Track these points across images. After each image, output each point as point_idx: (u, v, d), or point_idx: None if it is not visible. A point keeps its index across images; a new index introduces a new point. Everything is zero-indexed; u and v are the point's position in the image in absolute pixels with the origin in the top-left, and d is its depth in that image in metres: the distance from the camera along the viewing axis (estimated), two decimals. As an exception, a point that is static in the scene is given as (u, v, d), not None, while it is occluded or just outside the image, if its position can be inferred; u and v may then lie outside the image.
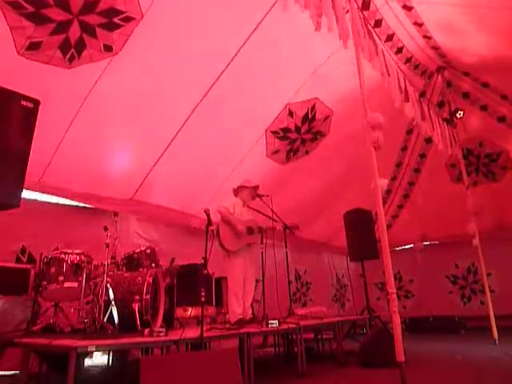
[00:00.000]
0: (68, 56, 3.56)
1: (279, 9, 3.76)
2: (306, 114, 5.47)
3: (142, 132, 4.47)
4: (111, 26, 3.55)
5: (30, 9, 3.16)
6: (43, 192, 4.40)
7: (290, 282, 4.88)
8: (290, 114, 5.34)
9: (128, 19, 3.55)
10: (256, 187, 4.36)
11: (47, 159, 4.10)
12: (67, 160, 4.12)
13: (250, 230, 4.08)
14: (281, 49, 4.44)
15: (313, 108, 5.43)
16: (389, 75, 3.96)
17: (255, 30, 4.08)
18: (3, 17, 3.13)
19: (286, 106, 5.24)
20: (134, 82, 4.00)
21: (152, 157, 4.74)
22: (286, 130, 5.51)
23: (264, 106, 5.12)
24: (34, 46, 3.38)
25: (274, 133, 5.46)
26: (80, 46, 3.54)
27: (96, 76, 3.80)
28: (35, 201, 4.52)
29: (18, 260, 4.12)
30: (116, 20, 3.52)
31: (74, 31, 3.43)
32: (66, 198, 4.64)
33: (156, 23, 3.65)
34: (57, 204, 4.71)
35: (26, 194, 4.23)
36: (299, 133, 5.67)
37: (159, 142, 4.67)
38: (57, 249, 3.56)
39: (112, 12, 3.45)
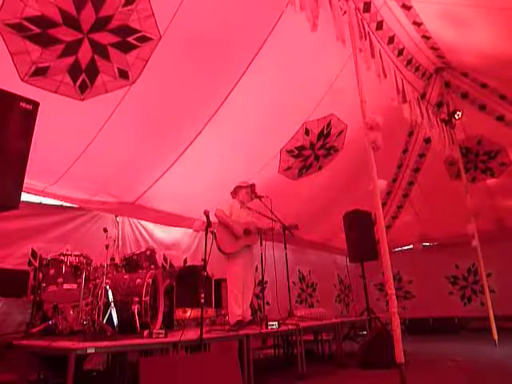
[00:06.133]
0: (79, 83, 3.32)
1: (291, 28, 3.77)
2: (322, 131, 5.37)
3: (154, 142, 4.33)
4: (125, 47, 3.28)
5: (36, 30, 2.90)
6: (49, 197, 4.44)
7: (289, 284, 4.87)
8: (307, 132, 5.24)
9: (144, 39, 3.29)
10: (252, 186, 4.35)
11: (58, 172, 4.05)
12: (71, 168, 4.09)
13: (247, 232, 4.07)
14: (296, 67, 4.39)
15: (329, 124, 5.34)
16: (385, 76, 3.97)
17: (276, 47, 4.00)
18: (3, 43, 2.88)
19: (302, 125, 5.14)
20: (148, 103, 3.86)
21: (161, 165, 4.65)
22: (301, 148, 5.41)
23: (280, 126, 5.01)
24: (40, 72, 3.12)
25: (289, 152, 5.37)
26: (92, 70, 3.30)
27: (112, 107, 3.65)
28: (40, 204, 4.57)
29: (30, 263, 4.13)
30: (131, 40, 3.25)
31: (85, 52, 3.17)
32: (69, 202, 4.67)
33: (174, 44, 3.44)
34: (61, 206, 4.74)
35: (32, 197, 4.32)
36: (313, 149, 5.58)
37: (170, 151, 4.58)
38: (67, 251, 3.58)
39: (126, 30, 3.19)
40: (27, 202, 4.29)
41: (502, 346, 5.19)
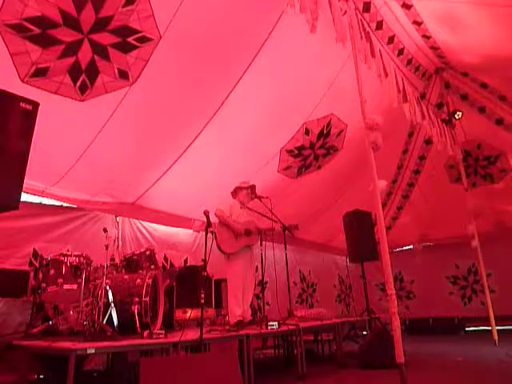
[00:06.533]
0: (79, 83, 3.32)
1: (291, 28, 3.76)
2: (322, 131, 5.37)
3: (154, 142, 4.32)
4: (125, 47, 3.28)
5: (36, 31, 2.89)
6: (49, 198, 4.43)
7: (289, 284, 4.87)
8: (307, 132, 5.24)
9: (144, 40, 3.29)
10: (253, 187, 4.36)
11: (58, 173, 4.04)
12: (72, 169, 4.07)
13: (248, 232, 4.08)
14: (296, 67, 4.38)
15: (328, 124, 5.34)
16: (386, 76, 3.96)
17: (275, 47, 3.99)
18: (3, 43, 2.86)
19: (302, 125, 5.13)
20: (148, 104, 3.85)
21: (161, 165, 4.64)
22: (300, 147, 5.41)
23: (280, 126, 5.00)
24: (40, 73, 3.10)
25: (289, 151, 5.37)
26: (92, 71, 3.28)
27: (112, 108, 3.64)
28: (40, 204, 4.57)
29: (31, 264, 4.12)
30: (130, 40, 3.25)
31: (85, 52, 3.17)
32: (69, 203, 4.66)
33: (174, 45, 3.43)
34: (62, 206, 4.73)
35: (32, 197, 4.30)
36: (313, 149, 5.57)
37: (170, 151, 4.56)
38: (68, 251, 3.61)
39: (126, 30, 3.19)
40: (28, 202, 4.30)
41: (502, 346, 5.18)
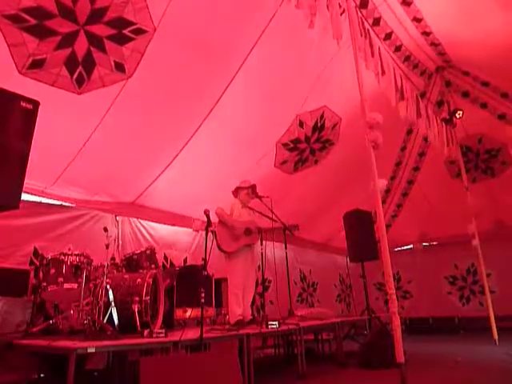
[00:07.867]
0: (76, 76, 3.31)
1: (287, 23, 3.77)
2: (316, 123, 5.38)
3: (152, 140, 4.33)
4: (121, 39, 3.30)
5: (32, 21, 2.90)
6: (48, 198, 4.43)
7: (289, 283, 4.87)
8: (301, 124, 5.25)
9: (139, 31, 3.32)
10: (253, 186, 4.36)
11: (56, 171, 4.04)
12: (70, 168, 4.07)
13: (248, 231, 4.08)
14: (285, 60, 4.37)
15: (322, 116, 5.34)
16: (383, 74, 3.95)
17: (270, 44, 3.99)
18: (1, 34, 2.88)
19: (296, 117, 5.14)
20: (145, 98, 3.85)
21: (160, 163, 4.65)
22: (296, 141, 5.41)
23: (275, 119, 5.01)
24: (36, 64, 3.11)
25: (285, 145, 5.38)
26: (88, 62, 3.30)
27: (109, 101, 3.65)
28: (41, 203, 4.55)
29: (32, 263, 4.10)
30: (126, 32, 3.27)
31: (81, 44, 3.17)
32: (69, 203, 4.65)
33: (168, 37, 3.44)
34: (62, 206, 4.72)
35: (32, 196, 4.28)
36: (308, 142, 5.58)
37: (169, 149, 4.57)
38: (69, 250, 3.62)
39: (121, 22, 3.20)
40: (28, 201, 4.29)
41: (502, 345, 5.18)
